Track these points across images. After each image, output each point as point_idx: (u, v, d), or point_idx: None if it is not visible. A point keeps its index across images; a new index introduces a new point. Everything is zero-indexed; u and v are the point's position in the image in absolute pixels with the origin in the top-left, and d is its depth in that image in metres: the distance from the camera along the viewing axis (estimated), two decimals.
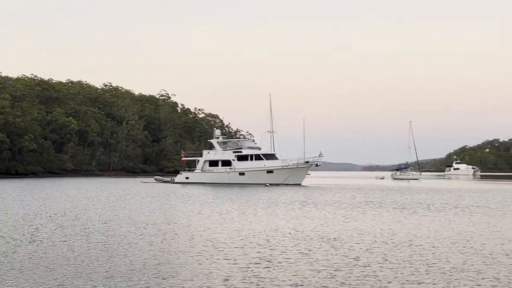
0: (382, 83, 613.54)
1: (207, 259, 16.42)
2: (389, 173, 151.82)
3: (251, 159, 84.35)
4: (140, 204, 38.80)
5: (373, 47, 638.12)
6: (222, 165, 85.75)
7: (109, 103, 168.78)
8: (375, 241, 20.43)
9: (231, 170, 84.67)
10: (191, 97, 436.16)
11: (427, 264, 15.66)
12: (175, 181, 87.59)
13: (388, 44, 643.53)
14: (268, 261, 16.05)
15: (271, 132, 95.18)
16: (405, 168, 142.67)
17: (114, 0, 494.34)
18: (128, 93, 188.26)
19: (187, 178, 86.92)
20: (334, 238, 21.09)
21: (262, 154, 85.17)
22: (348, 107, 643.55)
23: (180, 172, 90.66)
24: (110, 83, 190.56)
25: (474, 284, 13.10)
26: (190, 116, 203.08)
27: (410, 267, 15.27)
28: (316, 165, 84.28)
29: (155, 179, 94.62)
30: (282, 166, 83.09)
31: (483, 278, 13.75)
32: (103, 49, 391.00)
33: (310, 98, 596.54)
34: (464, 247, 18.98)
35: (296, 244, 19.45)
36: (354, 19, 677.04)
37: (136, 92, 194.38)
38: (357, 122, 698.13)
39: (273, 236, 21.61)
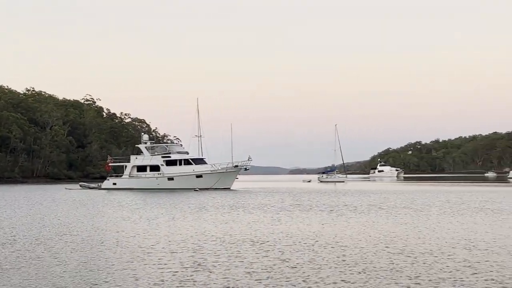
0: (308, 87, 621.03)
1: (137, 264, 16.30)
2: (316, 176, 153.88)
3: (180, 164, 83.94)
4: (66, 211, 38.04)
5: (300, 52, 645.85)
6: (151, 170, 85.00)
7: (32, 108, 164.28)
8: (304, 243, 20.72)
9: (159, 175, 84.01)
10: (117, 101, 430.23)
11: (353, 264, 16.00)
12: (101, 187, 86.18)
13: (313, 49, 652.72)
14: (199, 265, 16.07)
15: (198, 137, 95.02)
16: (331, 171, 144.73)
17: (38, 2, 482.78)
18: (51, 98, 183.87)
19: (114, 184, 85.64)
20: (264, 241, 21.27)
21: (191, 158, 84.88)
22: (274, 111, 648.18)
23: (107, 178, 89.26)
24: (33, 88, 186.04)
25: (393, 283, 13.46)
26: (116, 121, 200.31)
27: (336, 267, 15.59)
28: (245, 169, 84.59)
29: (80, 186, 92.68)
30: (211, 170, 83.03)
31: (401, 277, 14.15)
32: (26, 53, 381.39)
33: (237, 103, 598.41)
34: (387, 246, 19.47)
35: (226, 248, 19.52)
36: (281, 22, 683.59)
37: (60, 97, 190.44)
38: (283, 126, 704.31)
39: (203, 240, 21.62)
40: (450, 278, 13.92)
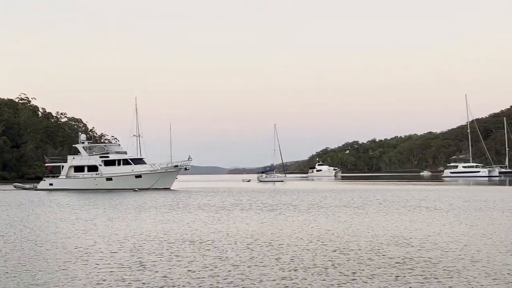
0: (248, 86, 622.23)
1: (76, 265, 16.16)
2: (256, 175, 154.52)
3: (119, 164, 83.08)
4: (0, 213, 37.26)
5: (238, 52, 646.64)
6: (88, 171, 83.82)
7: None
8: (244, 241, 20.90)
9: (97, 175, 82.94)
10: (52, 101, 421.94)
11: (290, 262, 16.26)
12: (37, 188, 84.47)
13: (252, 49, 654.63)
14: (138, 265, 16.04)
15: (137, 136, 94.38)
16: (271, 170, 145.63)
17: None
18: None
19: (51, 184, 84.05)
20: (204, 241, 21.36)
21: (130, 158, 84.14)
22: (213, 110, 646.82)
23: (43, 178, 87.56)
24: None
25: (328, 279, 13.79)
26: (52, 120, 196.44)
27: (274, 265, 15.81)
28: (185, 169, 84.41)
29: (15, 186, 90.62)
30: (150, 170, 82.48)
31: (336, 273, 14.50)
32: None
33: (177, 102, 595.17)
34: (324, 244, 19.84)
35: (166, 247, 19.53)
36: (213, 21, 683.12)
37: None
38: (223, 126, 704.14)
39: (142, 240, 21.56)
40: (383, 274, 14.30)
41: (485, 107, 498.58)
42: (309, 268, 15.33)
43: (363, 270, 14.87)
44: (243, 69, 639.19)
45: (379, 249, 18.45)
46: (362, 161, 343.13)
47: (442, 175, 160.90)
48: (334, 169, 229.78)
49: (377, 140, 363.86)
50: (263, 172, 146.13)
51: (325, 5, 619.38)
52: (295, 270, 14.99)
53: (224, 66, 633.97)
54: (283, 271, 14.94)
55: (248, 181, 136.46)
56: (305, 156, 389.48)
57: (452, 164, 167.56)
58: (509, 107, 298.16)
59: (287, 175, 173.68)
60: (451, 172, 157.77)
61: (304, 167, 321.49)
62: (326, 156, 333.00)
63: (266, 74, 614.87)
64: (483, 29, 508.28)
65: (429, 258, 16.62)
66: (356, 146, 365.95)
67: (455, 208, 35.94)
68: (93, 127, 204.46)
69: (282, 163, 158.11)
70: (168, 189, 79.92)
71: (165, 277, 14.29)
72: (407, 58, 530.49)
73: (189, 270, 15.15)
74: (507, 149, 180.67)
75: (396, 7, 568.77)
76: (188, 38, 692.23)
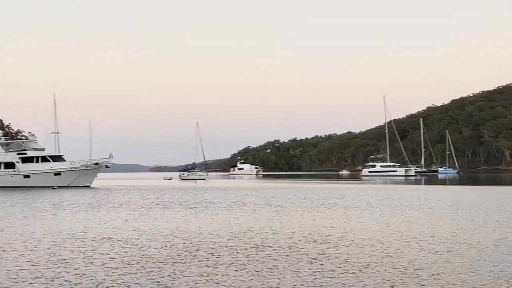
0: (168, 83, 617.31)
1: None
2: (177, 173, 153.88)
3: (37, 161, 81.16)
4: None
5: (157, 51, 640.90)
6: (5, 168, 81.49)
7: None
8: (164, 239, 20.97)
9: (14, 172, 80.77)
10: None
11: (209, 258, 16.49)
12: None
13: (170, 47, 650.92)
14: (56, 263, 15.90)
15: (55, 133, 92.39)
16: (193, 168, 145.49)
17: None
18: None
19: None
20: (124, 239, 21.30)
21: (48, 155, 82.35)
22: (134, 107, 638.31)
23: None
24: None
25: (245, 275, 14.11)
26: None
27: (191, 262, 16.01)
28: (106, 166, 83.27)
29: None
30: (70, 168, 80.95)
31: (254, 270, 14.83)
32: None
33: (97, 99, 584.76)
34: (244, 242, 20.15)
35: (84, 246, 19.39)
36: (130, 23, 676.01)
37: None
38: (144, 123, 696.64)
39: (60, 239, 21.30)
40: (299, 269, 14.73)
41: (403, 109, 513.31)
42: (227, 264, 15.59)
43: (279, 266, 15.26)
44: (165, 65, 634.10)
45: (296, 246, 18.89)
46: (283, 160, 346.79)
47: (361, 174, 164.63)
48: (256, 168, 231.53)
49: (298, 139, 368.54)
50: (184, 170, 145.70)
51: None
52: (213, 267, 15.22)
53: (153, 62, 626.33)
54: (201, 267, 15.15)
55: (170, 179, 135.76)
56: (227, 155, 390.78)
57: (370, 163, 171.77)
58: (425, 108, 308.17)
59: (209, 173, 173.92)
60: (369, 171, 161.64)
61: (226, 166, 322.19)
62: (248, 155, 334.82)
63: (191, 72, 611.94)
64: (406, 33, 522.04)
65: (343, 254, 17.18)
66: (277, 145, 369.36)
67: (373, 207, 36.98)
68: (10, 123, 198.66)
69: (204, 161, 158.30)
70: (88, 187, 78.69)
71: (83, 274, 14.24)
72: (328, 60, 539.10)
73: (107, 267, 15.14)
74: (423, 149, 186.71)
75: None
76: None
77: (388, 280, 13.26)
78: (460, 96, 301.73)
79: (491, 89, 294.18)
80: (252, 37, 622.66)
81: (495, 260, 15.82)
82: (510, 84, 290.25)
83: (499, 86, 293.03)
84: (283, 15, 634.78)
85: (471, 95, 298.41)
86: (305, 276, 13.89)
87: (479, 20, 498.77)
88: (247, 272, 14.48)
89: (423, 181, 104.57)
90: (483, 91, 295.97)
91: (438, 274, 13.98)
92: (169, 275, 14.10)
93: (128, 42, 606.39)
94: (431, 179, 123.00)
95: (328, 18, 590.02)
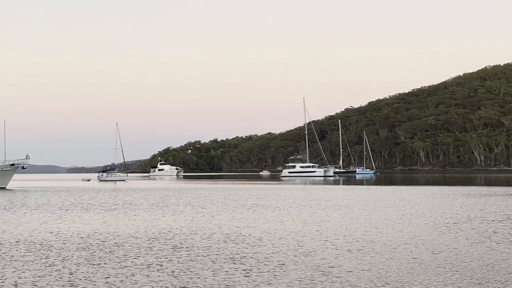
0: (86, 82, 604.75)
1: None
2: (96, 174, 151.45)
3: None
4: None
5: (76, 48, 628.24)
6: None
7: None
8: (82, 241, 20.89)
9: None
10: None
11: (125, 259, 16.64)
12: None
13: (91, 45, 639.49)
14: None
15: None
16: (112, 169, 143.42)
17: None
18: None
19: None
20: (39, 241, 21.07)
21: None
22: (51, 107, 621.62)
23: None
24: None
25: (157, 275, 14.38)
26: None
27: (107, 263, 16.13)
28: (23, 167, 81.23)
29: None
30: None
31: (166, 269, 15.11)
32: None
33: (11, 98, 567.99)
34: (162, 242, 20.32)
35: None
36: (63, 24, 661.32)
37: None
38: (61, 122, 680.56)
39: None
40: (214, 269, 15.09)
41: (322, 110, 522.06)
42: (144, 265, 15.78)
43: (196, 266, 15.57)
44: (83, 64, 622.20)
45: (215, 246, 19.22)
46: (204, 160, 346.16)
47: (281, 175, 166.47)
48: (176, 169, 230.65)
49: (219, 140, 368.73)
50: (103, 171, 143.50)
51: None
52: (130, 267, 15.38)
53: (71, 59, 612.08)
54: (118, 268, 15.28)
55: (88, 180, 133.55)
56: (147, 155, 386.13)
57: (290, 164, 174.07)
58: (343, 110, 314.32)
59: (129, 174, 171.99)
60: (289, 172, 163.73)
61: (146, 167, 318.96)
62: (168, 156, 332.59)
63: (111, 70, 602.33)
64: (319, 37, 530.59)
65: (260, 253, 17.65)
66: (198, 146, 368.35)
67: (291, 207, 37.69)
68: None
69: (124, 162, 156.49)
70: (4, 188, 76.56)
71: None
72: (249, 60, 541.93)
73: (22, 271, 15.03)
74: (341, 150, 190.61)
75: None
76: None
77: (301, 278, 13.77)
78: (377, 98, 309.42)
79: (406, 91, 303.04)
80: (175, 32, 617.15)
81: (406, 257, 16.60)
82: (424, 86, 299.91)
83: (414, 89, 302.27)
84: (205, 11, 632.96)
85: (388, 97, 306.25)
86: (221, 275, 14.23)
87: (396, 26, 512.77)
88: (163, 272, 14.71)
89: (341, 182, 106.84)
90: (399, 93, 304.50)
91: (350, 271, 14.59)
92: (85, 277, 14.19)
93: (47, 39, 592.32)
94: (349, 179, 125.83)
95: (253, 16, 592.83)
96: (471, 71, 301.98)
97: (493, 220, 27.20)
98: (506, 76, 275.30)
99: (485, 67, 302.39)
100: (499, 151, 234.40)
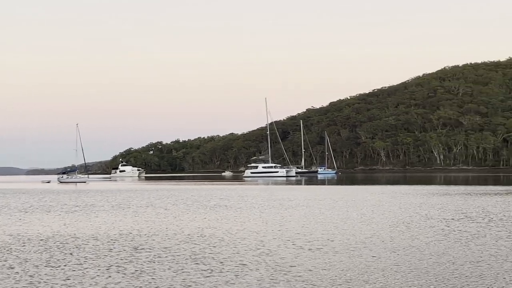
0: (47, 82, 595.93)
1: None
2: (56, 176, 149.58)
3: None
4: None
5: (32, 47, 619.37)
6: None
7: None
8: (40, 243, 20.72)
9: None
10: None
11: (85, 260, 16.60)
12: None
13: (51, 44, 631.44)
14: None
15: None
16: (72, 171, 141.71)
17: None
18: None
19: None
20: None
21: None
22: (8, 106, 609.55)
23: None
24: None
25: (116, 275, 14.39)
26: None
27: (67, 264, 16.10)
28: None
29: None
30: None
31: (126, 269, 15.10)
32: None
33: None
34: (121, 243, 20.26)
35: None
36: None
37: None
38: (19, 123, 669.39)
39: None
40: (176, 270, 15.16)
41: (284, 110, 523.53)
42: (103, 266, 15.78)
43: (156, 267, 15.64)
44: (44, 64, 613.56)
45: (176, 247, 19.25)
46: (165, 161, 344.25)
47: (243, 175, 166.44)
48: (138, 170, 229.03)
49: (180, 140, 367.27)
50: (64, 173, 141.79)
51: None
52: (88, 269, 15.37)
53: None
54: (75, 270, 15.29)
55: (48, 182, 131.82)
56: (108, 157, 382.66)
57: (252, 164, 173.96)
58: (305, 110, 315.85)
59: (90, 176, 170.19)
60: (251, 172, 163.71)
61: (107, 168, 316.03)
62: (130, 157, 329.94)
63: (71, 71, 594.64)
64: (287, 39, 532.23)
65: (221, 253, 17.75)
66: (160, 147, 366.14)
67: (254, 207, 37.82)
68: None
69: (85, 163, 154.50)
70: None
71: None
72: (211, 60, 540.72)
73: None
74: (303, 150, 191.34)
75: None
76: None
77: (262, 278, 13.88)
78: (338, 99, 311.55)
79: (367, 91, 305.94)
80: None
81: (366, 256, 16.83)
82: (384, 87, 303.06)
83: (374, 89, 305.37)
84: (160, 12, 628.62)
85: (349, 97, 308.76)
86: (182, 276, 14.27)
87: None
88: (123, 274, 14.71)
89: (303, 182, 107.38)
90: (359, 94, 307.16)
91: (310, 270, 14.75)
92: (44, 279, 14.16)
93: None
94: (311, 179, 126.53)
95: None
96: (430, 72, 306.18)
97: (451, 219, 27.69)
98: (465, 76, 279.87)
99: (444, 68, 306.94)
100: (458, 150, 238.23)
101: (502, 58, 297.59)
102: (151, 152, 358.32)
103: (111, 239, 21.55)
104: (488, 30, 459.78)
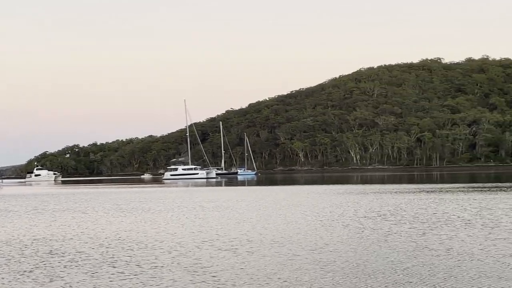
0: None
1: None
2: None
3: None
4: None
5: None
6: None
7: None
8: None
9: None
10: None
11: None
12: None
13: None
14: None
15: None
16: None
17: None
18: None
19: None
20: None
21: None
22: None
23: None
24: None
25: (29, 280, 14.13)
26: None
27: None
28: None
29: None
30: None
31: (38, 274, 14.87)
32: None
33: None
34: (35, 248, 19.87)
35: None
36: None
37: None
38: None
39: None
40: (85, 273, 15.16)
41: (203, 112, 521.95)
42: (14, 272, 15.54)
43: (69, 271, 15.52)
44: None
45: (91, 251, 19.06)
46: (83, 164, 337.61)
47: (163, 178, 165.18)
48: (54, 173, 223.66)
49: (98, 143, 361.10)
50: None
51: None
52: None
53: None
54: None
55: None
56: (23, 161, 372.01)
57: (172, 166, 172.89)
58: (224, 112, 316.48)
59: (4, 180, 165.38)
60: (171, 175, 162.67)
61: (22, 172, 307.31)
62: (45, 160, 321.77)
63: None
64: (205, 38, 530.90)
65: (135, 256, 17.73)
66: (76, 150, 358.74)
67: (172, 209, 37.67)
68: None
69: None
70: None
71: None
72: (129, 62, 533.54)
73: None
74: (223, 151, 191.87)
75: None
76: None
77: (176, 280, 13.94)
78: (257, 100, 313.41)
79: (285, 93, 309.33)
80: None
81: (282, 255, 17.12)
82: (302, 88, 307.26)
83: (292, 91, 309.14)
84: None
85: (267, 99, 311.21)
86: (96, 280, 14.16)
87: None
88: (35, 279, 14.50)
89: (223, 183, 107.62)
90: (278, 95, 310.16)
91: (226, 270, 14.90)
92: None
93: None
94: (231, 180, 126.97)
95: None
96: (346, 73, 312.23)
97: (364, 217, 28.43)
98: (379, 78, 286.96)
99: (360, 69, 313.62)
100: (373, 150, 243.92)
101: (415, 60, 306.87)
102: (68, 155, 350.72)
103: (24, 245, 21.07)
104: (418, 31, 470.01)
